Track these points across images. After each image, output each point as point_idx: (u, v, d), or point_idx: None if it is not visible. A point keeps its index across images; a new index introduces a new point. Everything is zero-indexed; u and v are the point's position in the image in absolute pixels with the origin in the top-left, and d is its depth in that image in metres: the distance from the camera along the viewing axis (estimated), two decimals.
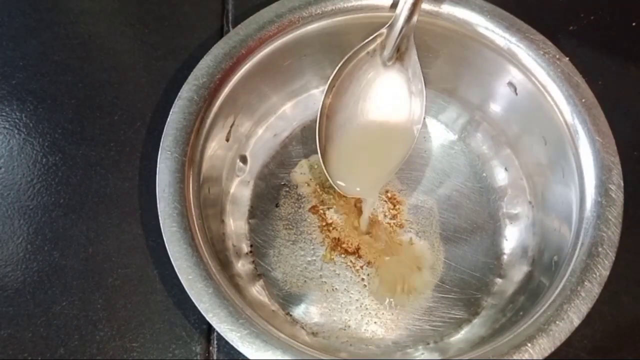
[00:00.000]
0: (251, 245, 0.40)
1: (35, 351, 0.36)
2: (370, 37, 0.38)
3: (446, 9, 0.39)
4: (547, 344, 0.30)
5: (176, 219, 0.33)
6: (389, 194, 0.42)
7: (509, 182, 0.42)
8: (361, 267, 0.39)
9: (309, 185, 0.42)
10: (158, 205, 0.33)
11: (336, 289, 0.39)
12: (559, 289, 0.31)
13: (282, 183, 0.42)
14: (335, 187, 0.40)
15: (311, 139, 0.44)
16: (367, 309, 0.38)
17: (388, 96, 0.40)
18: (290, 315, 0.38)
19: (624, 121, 0.37)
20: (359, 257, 0.40)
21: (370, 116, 0.40)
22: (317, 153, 0.39)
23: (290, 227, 0.41)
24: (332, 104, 0.39)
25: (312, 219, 0.41)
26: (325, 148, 0.39)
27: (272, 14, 0.39)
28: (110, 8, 0.48)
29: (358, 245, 0.40)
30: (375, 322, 0.38)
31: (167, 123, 0.36)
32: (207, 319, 0.30)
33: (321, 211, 0.41)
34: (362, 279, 0.39)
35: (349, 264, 0.40)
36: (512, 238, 0.40)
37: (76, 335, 0.36)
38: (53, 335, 0.36)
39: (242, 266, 0.39)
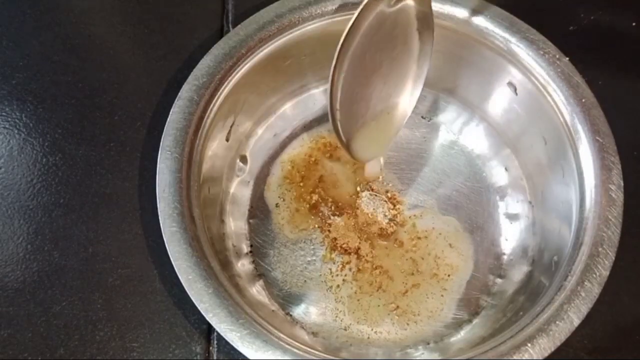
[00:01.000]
0: (251, 245, 0.40)
1: (35, 351, 0.36)
2: None
3: (446, 9, 0.39)
4: (547, 344, 0.30)
5: (176, 219, 0.33)
6: (389, 194, 0.42)
7: (509, 182, 0.42)
8: (361, 268, 0.39)
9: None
10: (158, 205, 0.33)
11: (336, 288, 0.39)
12: (559, 289, 0.31)
13: (283, 183, 0.42)
14: (351, 156, 0.38)
15: (311, 139, 0.44)
16: (369, 306, 0.38)
17: (394, 40, 0.36)
18: (290, 315, 0.38)
19: (624, 121, 0.37)
20: (359, 257, 0.40)
21: (377, 71, 0.36)
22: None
23: (291, 227, 0.41)
24: (347, 72, 0.34)
25: (312, 219, 0.41)
26: (338, 117, 0.36)
27: (272, 14, 0.39)
28: (110, 8, 0.48)
29: (358, 246, 0.40)
30: (375, 322, 0.38)
31: (167, 123, 0.36)
32: (207, 319, 0.30)
33: (321, 211, 0.41)
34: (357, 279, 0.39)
35: (349, 264, 0.40)
36: (512, 238, 0.40)
37: (76, 335, 0.36)
38: (53, 335, 0.36)
39: (242, 266, 0.39)
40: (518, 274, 0.39)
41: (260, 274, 0.39)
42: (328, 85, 0.34)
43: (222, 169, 0.40)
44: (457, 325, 0.38)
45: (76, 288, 0.37)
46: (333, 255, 0.40)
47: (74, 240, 0.39)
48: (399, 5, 0.34)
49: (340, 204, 0.41)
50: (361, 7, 0.32)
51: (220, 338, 0.36)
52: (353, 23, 0.32)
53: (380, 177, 0.43)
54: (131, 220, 0.39)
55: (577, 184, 0.35)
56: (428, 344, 0.37)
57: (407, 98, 0.39)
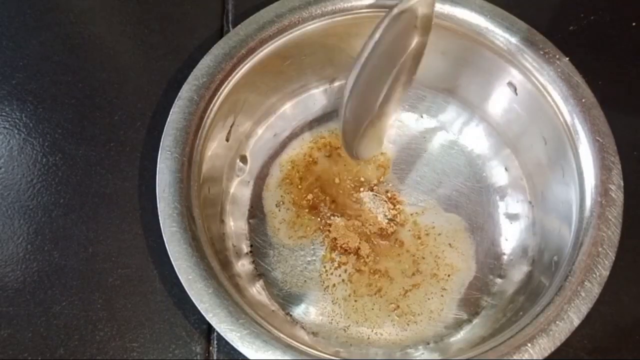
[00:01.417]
0: (251, 245, 0.40)
1: (35, 351, 0.36)
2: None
3: (446, 9, 0.39)
4: (547, 344, 0.30)
5: (176, 219, 0.33)
6: (389, 194, 0.42)
7: (509, 182, 0.42)
8: (361, 268, 0.39)
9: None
10: (158, 205, 0.33)
11: (336, 289, 0.39)
12: (559, 289, 0.31)
13: (283, 183, 0.42)
14: (355, 159, 0.40)
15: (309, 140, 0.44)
16: (369, 306, 0.38)
17: (396, 46, 0.36)
18: (290, 315, 0.38)
19: (624, 121, 0.37)
20: (359, 257, 0.40)
21: (380, 77, 0.36)
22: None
23: (290, 227, 0.41)
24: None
25: (312, 220, 0.41)
26: (348, 125, 0.36)
27: (272, 14, 0.39)
28: (110, 8, 0.48)
29: (358, 246, 0.40)
30: (375, 322, 0.38)
31: (167, 123, 0.36)
32: (207, 319, 0.30)
33: (321, 211, 0.41)
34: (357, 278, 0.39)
35: (348, 264, 0.40)
36: (512, 238, 0.40)
37: (76, 335, 0.36)
38: (53, 335, 0.36)
39: (242, 266, 0.39)
40: (518, 274, 0.39)
41: (260, 274, 0.39)
42: (343, 98, 0.34)
43: (222, 169, 0.40)
44: (457, 325, 0.38)
45: (76, 288, 0.37)
46: (333, 255, 0.40)
47: (74, 240, 0.39)
48: (406, 11, 0.34)
49: (340, 204, 0.41)
50: (382, 26, 0.32)
51: (220, 338, 0.36)
52: (375, 41, 0.32)
53: (382, 177, 0.43)
54: (131, 220, 0.39)
55: (577, 184, 0.35)
56: (428, 344, 0.37)
57: (398, 96, 0.39)
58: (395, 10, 0.33)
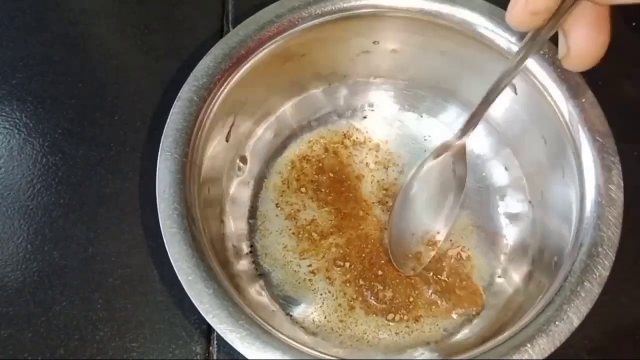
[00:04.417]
0: (251, 246, 0.40)
1: (35, 351, 0.36)
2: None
3: (446, 9, 0.38)
4: (547, 344, 0.30)
5: (176, 220, 0.33)
6: (389, 194, 0.42)
7: (509, 182, 0.42)
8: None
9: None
10: (158, 207, 0.33)
11: (335, 289, 0.39)
12: (559, 289, 0.31)
13: (283, 183, 0.42)
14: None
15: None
16: (367, 309, 0.38)
17: (436, 183, 0.40)
18: (290, 315, 0.38)
19: (624, 121, 0.37)
20: (359, 257, 0.40)
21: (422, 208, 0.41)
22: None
23: (290, 227, 0.41)
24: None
25: (312, 219, 0.41)
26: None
27: (271, 14, 0.39)
28: (110, 8, 0.48)
29: (358, 245, 0.40)
30: (375, 323, 0.38)
31: (167, 124, 0.36)
32: (207, 319, 0.30)
33: (321, 211, 0.41)
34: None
35: (348, 263, 0.40)
36: (511, 238, 0.40)
37: (76, 335, 0.36)
38: (53, 335, 0.36)
39: (241, 267, 0.38)
40: (518, 274, 0.39)
41: (260, 274, 0.39)
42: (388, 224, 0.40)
43: (222, 169, 0.40)
44: (457, 325, 0.38)
45: (76, 288, 0.37)
46: (333, 256, 0.40)
47: (74, 240, 0.39)
48: (441, 158, 0.39)
49: (339, 203, 0.41)
50: (418, 165, 0.40)
51: (220, 338, 0.36)
52: (412, 175, 0.40)
53: (382, 177, 0.43)
54: (131, 221, 0.39)
55: (577, 184, 0.35)
56: (428, 344, 0.37)
57: (443, 224, 0.40)
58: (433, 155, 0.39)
